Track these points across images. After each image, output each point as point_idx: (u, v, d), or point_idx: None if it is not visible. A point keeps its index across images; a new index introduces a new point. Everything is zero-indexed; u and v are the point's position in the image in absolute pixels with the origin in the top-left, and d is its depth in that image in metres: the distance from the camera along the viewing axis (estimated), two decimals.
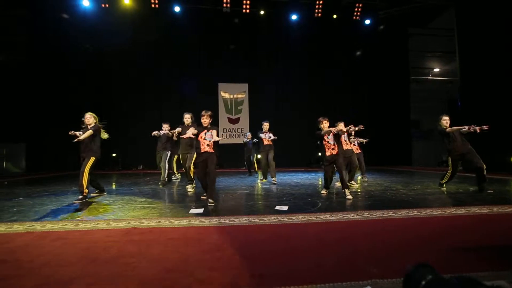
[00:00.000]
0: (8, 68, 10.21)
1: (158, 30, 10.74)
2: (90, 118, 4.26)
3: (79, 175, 3.94)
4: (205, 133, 3.90)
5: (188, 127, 4.87)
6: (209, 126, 3.97)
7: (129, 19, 10.35)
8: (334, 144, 4.30)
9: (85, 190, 3.92)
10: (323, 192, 4.58)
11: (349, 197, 4.03)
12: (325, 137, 4.32)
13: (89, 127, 4.19)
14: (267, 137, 6.27)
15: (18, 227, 2.65)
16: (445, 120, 4.60)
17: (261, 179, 6.60)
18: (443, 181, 4.87)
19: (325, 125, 4.37)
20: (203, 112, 3.95)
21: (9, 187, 5.83)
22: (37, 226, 2.68)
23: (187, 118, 5.13)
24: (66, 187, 5.73)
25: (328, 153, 4.32)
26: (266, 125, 6.35)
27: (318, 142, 4.49)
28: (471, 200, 3.79)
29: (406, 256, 1.91)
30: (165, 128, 5.88)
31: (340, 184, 4.49)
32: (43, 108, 9.98)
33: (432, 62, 13.90)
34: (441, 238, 2.26)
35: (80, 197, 3.89)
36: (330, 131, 4.27)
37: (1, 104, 9.95)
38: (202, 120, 3.97)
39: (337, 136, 4.32)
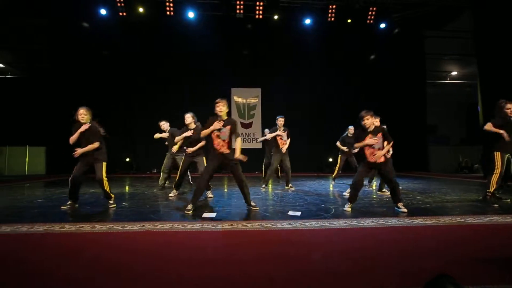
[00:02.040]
0: (30, 75, 10.72)
1: (173, 37, 10.99)
2: (85, 115, 3.75)
3: (99, 184, 3.76)
4: (220, 129, 3.39)
5: (187, 128, 4.54)
6: (225, 118, 3.46)
7: (145, 26, 10.65)
8: (379, 149, 3.45)
9: (111, 195, 3.87)
10: (347, 209, 3.56)
11: (404, 210, 3.38)
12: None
13: (88, 131, 3.74)
14: (284, 139, 5.49)
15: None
16: (509, 109, 3.88)
17: (263, 187, 5.80)
18: (492, 189, 3.92)
19: (369, 121, 3.44)
20: (218, 100, 3.46)
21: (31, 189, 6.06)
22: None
23: (188, 118, 4.59)
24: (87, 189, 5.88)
25: (371, 160, 3.47)
26: (281, 121, 5.54)
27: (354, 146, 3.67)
28: (493, 209, 3.64)
29: (424, 265, 1.84)
30: (163, 126, 5.50)
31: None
32: (62, 112, 10.36)
33: (449, 65, 13.52)
34: (461, 248, 2.18)
35: (111, 201, 3.85)
36: (372, 145, 3.42)
37: (24, 109, 10.45)
38: (217, 109, 3.42)
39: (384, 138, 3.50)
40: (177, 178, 4.74)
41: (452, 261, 1.90)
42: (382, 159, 3.45)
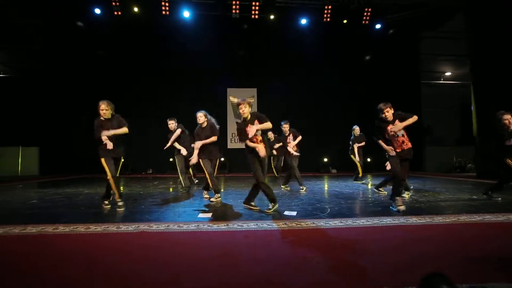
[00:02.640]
0: (23, 75, 10.58)
1: (168, 37, 10.94)
2: (106, 111, 3.64)
3: (111, 181, 3.63)
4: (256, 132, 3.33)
5: (204, 129, 4.30)
6: (249, 117, 3.41)
7: (141, 26, 10.58)
8: (403, 136, 3.46)
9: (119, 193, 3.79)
10: (401, 207, 3.40)
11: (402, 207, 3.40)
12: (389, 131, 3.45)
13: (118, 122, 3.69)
14: (292, 144, 5.55)
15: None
16: (507, 120, 3.98)
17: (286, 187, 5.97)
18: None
19: (389, 113, 3.45)
20: (239, 101, 3.41)
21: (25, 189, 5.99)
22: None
23: (201, 117, 4.35)
24: (88, 189, 5.83)
25: (398, 149, 3.47)
26: (285, 127, 5.59)
27: (376, 138, 3.61)
28: (485, 207, 3.68)
29: (418, 264, 1.86)
30: (172, 125, 5.26)
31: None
32: (56, 112, 10.27)
33: (443, 66, 13.64)
34: (454, 246, 2.20)
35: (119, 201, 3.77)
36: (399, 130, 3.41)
37: (17, 109, 10.31)
38: (240, 112, 3.41)
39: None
40: (209, 180, 4.34)
41: (446, 260, 1.92)
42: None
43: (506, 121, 3.98)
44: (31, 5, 9.65)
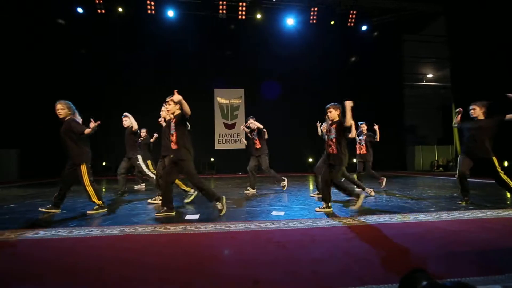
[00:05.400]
0: (3, 75, 10.13)
1: (154, 37, 10.77)
2: (62, 110, 3.59)
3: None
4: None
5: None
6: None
7: (125, 25, 10.37)
8: (331, 140, 3.59)
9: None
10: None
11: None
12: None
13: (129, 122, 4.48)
14: (255, 137, 5.34)
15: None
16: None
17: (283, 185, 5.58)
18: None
19: (332, 114, 3.61)
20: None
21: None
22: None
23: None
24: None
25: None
26: (251, 122, 5.37)
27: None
28: (466, 204, 3.82)
29: (401, 261, 1.91)
30: (125, 122, 5.42)
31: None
32: (37, 113, 9.89)
33: (425, 68, 14.10)
34: (436, 242, 2.27)
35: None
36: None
37: None
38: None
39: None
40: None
41: (428, 256, 1.98)
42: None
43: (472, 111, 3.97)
44: (9, 2, 9.27)
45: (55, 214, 3.59)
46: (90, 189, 3.59)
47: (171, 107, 3.57)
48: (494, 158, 3.70)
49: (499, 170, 3.70)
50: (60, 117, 3.59)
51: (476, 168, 3.89)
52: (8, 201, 4.70)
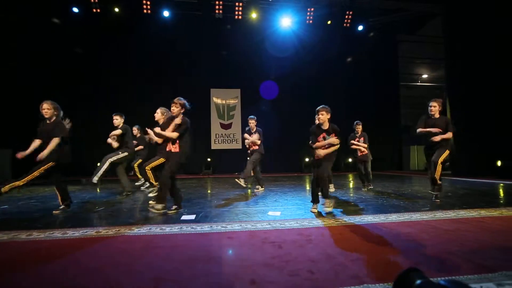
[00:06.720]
0: None
1: (150, 37, 10.71)
2: (48, 110, 3.73)
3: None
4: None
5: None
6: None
7: (121, 24, 10.29)
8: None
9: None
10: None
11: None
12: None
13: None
14: (255, 138, 5.31)
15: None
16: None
17: (257, 188, 5.69)
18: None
19: (324, 117, 3.53)
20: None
21: None
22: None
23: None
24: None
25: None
26: (252, 122, 5.40)
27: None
28: (460, 204, 3.86)
29: (396, 260, 1.92)
30: (116, 121, 5.37)
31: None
32: (30, 114, 9.78)
33: (421, 69, 14.22)
34: (430, 241, 2.29)
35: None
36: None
37: None
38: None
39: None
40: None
41: (423, 255, 1.99)
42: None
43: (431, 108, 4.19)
44: (3, 1, 9.16)
45: (51, 215, 3.56)
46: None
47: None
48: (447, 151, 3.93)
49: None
50: (46, 116, 3.66)
51: (473, 168, 3.94)
52: (1, 202, 4.63)
